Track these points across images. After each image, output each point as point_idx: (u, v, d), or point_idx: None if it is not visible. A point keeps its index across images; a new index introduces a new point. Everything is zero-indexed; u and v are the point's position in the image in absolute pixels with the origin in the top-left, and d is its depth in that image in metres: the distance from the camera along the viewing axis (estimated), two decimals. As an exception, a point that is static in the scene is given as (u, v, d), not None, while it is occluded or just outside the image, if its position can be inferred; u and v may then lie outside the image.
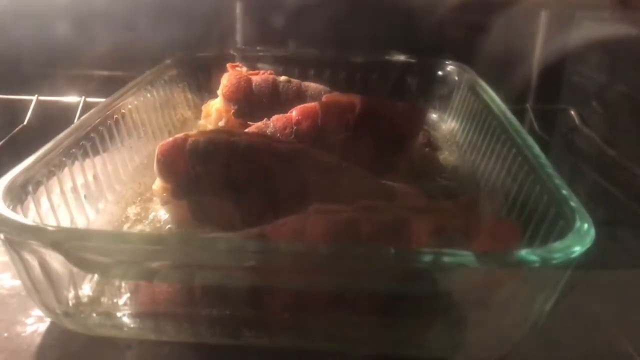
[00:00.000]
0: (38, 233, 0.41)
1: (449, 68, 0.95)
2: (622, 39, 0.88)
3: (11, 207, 0.46)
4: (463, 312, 0.43)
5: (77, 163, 0.59)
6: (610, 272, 0.62)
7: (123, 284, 0.46)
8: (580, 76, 1.06)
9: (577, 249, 0.40)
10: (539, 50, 1.09)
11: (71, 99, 1.04)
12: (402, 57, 0.99)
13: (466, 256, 0.39)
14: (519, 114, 0.87)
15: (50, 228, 0.42)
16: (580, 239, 0.41)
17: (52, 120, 1.01)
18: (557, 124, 1.08)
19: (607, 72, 0.99)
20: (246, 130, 0.74)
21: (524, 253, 0.39)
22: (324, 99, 0.76)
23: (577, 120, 1.03)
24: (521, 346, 0.45)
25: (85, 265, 0.41)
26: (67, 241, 0.39)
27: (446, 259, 0.39)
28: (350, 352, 0.46)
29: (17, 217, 0.43)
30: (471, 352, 0.44)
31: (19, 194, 0.49)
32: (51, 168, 0.55)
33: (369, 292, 0.42)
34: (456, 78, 0.93)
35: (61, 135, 0.58)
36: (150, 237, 0.42)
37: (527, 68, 1.09)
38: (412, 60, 0.98)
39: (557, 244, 0.40)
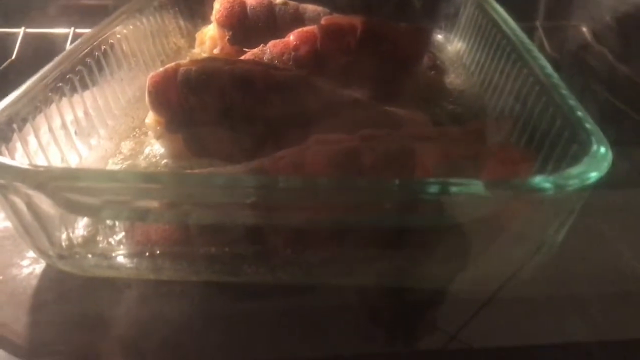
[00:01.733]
0: (22, 174, 0.38)
1: (456, -15, 0.90)
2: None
3: (-4, 146, 0.44)
4: (474, 242, 0.41)
5: (64, 99, 0.56)
6: (623, 192, 0.60)
7: (117, 224, 0.45)
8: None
9: (594, 175, 0.38)
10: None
11: (60, 30, 0.99)
12: (405, -25, 0.93)
13: (475, 185, 0.37)
14: (529, 32, 0.83)
15: (33, 168, 0.40)
16: (596, 164, 0.39)
17: (41, 53, 0.97)
18: (568, 42, 1.03)
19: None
20: (242, 57, 0.70)
21: (537, 180, 0.37)
22: (323, 21, 0.71)
23: (589, 37, 0.99)
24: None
25: (74, 208, 0.39)
26: (52, 181, 0.37)
27: (454, 188, 0.37)
28: (354, 285, 0.44)
29: (2, 159, 0.41)
30: (483, 281, 0.43)
31: (3, 133, 0.46)
32: (37, 104, 0.52)
33: (373, 226, 0.40)
34: (463, -5, 0.88)
35: (45, 68, 0.55)
36: (142, 175, 0.39)
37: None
38: (416, -23, 0.93)
39: (573, 170, 0.38)
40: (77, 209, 0.39)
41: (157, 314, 0.43)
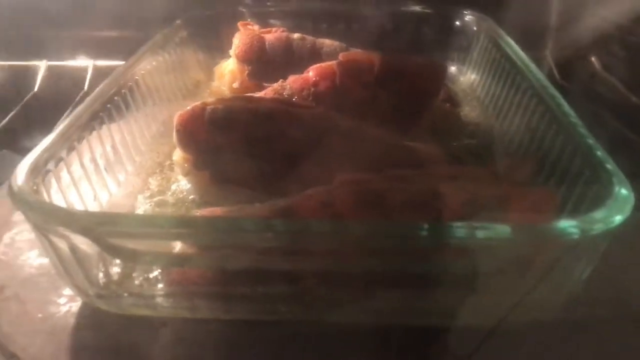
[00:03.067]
0: (67, 218, 0.40)
1: (467, 18, 0.92)
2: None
3: (35, 187, 0.46)
4: (498, 284, 0.42)
5: (95, 134, 0.58)
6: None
7: (153, 263, 0.46)
8: (602, 20, 1.02)
9: (618, 218, 0.39)
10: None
11: (80, 62, 1.02)
12: (417, 8, 0.95)
13: (502, 230, 0.38)
14: (537, 61, 0.85)
15: (78, 213, 0.42)
16: (620, 207, 0.40)
17: (63, 86, 0.99)
18: (577, 71, 1.05)
19: (631, 14, 0.96)
20: (262, 92, 0.72)
21: (563, 225, 0.38)
22: (341, 57, 0.73)
23: (598, 66, 1.01)
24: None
25: (117, 252, 0.40)
26: (98, 227, 0.39)
27: (480, 233, 0.38)
28: (386, 324, 0.46)
29: (45, 202, 0.42)
30: (507, 322, 0.44)
31: (43, 174, 0.48)
32: (71, 143, 0.54)
33: (404, 270, 0.41)
34: (475, 28, 0.90)
35: (79, 109, 0.57)
36: (179, 220, 0.41)
37: (545, 14, 1.05)
38: (428, 11, 0.95)
39: (597, 214, 0.39)
40: (120, 254, 0.41)
41: (194, 353, 0.44)
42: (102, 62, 1.02)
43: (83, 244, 0.41)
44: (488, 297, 0.43)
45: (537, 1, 1.03)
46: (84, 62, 1.02)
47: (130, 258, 0.42)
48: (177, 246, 0.43)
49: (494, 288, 0.42)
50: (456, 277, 0.42)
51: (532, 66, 0.70)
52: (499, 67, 0.77)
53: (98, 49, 1.04)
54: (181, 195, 0.61)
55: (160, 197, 0.61)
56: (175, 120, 0.60)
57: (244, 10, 0.97)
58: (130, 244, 0.40)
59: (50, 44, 1.04)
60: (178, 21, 0.88)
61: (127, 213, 0.57)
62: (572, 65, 1.04)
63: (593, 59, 1.02)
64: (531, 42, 0.93)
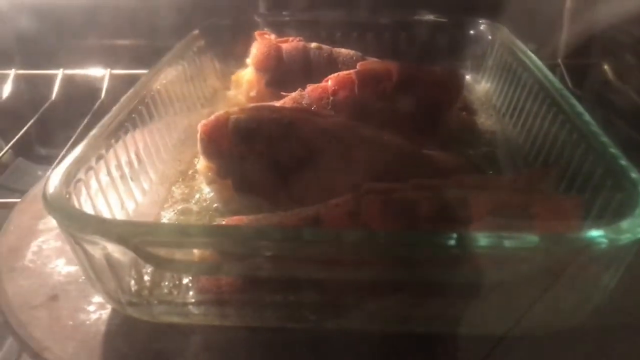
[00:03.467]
0: (103, 227, 0.41)
1: (482, 27, 0.93)
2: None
3: (67, 195, 0.46)
4: (525, 291, 0.43)
5: (120, 143, 0.59)
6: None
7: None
8: (614, 29, 1.03)
9: (646, 228, 0.40)
10: (569, 3, 1.06)
11: (97, 71, 1.03)
12: (431, 17, 0.96)
13: (530, 239, 0.39)
14: (550, 68, 0.86)
15: (116, 221, 0.43)
16: (646, 216, 0.41)
17: (79, 95, 1.01)
18: (590, 79, 1.06)
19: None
20: (281, 101, 0.73)
21: (592, 234, 0.39)
22: (359, 66, 0.74)
23: (610, 74, 1.01)
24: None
25: (152, 260, 0.41)
26: (135, 236, 0.40)
27: (508, 242, 0.39)
28: (415, 331, 0.46)
29: (81, 211, 0.43)
30: (533, 331, 0.44)
31: (73, 182, 0.49)
32: (100, 152, 0.54)
33: (432, 279, 0.42)
34: (489, 37, 0.91)
35: (106, 118, 0.58)
36: (212, 229, 0.42)
37: (557, 22, 1.06)
38: (443, 20, 0.96)
39: (624, 223, 0.40)
40: (155, 262, 0.41)
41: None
42: (118, 71, 1.03)
43: (117, 252, 0.42)
44: (514, 306, 0.43)
45: (549, 9, 1.04)
46: (100, 71, 1.03)
47: (165, 266, 0.43)
48: (208, 254, 0.44)
49: (522, 296, 0.43)
50: (484, 286, 0.43)
51: (550, 74, 0.70)
52: (515, 75, 0.78)
53: (114, 58, 1.06)
54: (205, 204, 0.62)
55: (184, 205, 0.62)
56: (200, 129, 0.61)
57: (259, 19, 0.98)
58: (164, 253, 0.41)
59: (67, 53, 1.06)
60: (195, 31, 0.89)
61: (162, 222, 0.58)
62: (584, 73, 1.05)
63: (605, 66, 1.02)
64: (544, 49, 0.95)
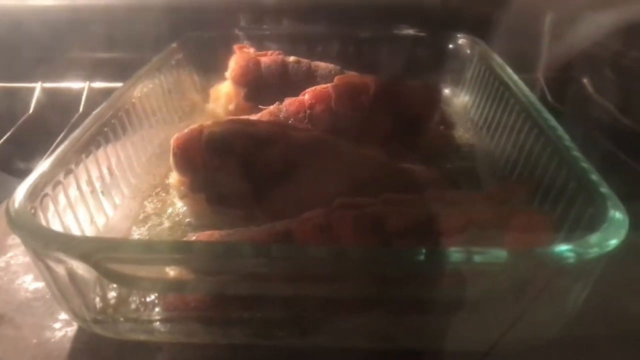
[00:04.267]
0: (66, 244, 0.40)
1: (461, 41, 0.93)
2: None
3: (32, 210, 0.46)
4: (494, 307, 0.42)
5: (91, 157, 0.58)
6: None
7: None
8: (593, 43, 1.04)
9: (613, 242, 0.39)
10: (549, 19, 1.06)
11: (75, 84, 1.02)
12: (411, 31, 0.97)
13: (499, 254, 0.38)
14: (530, 83, 0.86)
15: (78, 238, 0.42)
16: (615, 231, 0.40)
17: (58, 108, 0.99)
18: (569, 93, 1.06)
19: (622, 39, 0.97)
20: (258, 115, 0.73)
21: (560, 249, 0.38)
22: (336, 80, 0.74)
23: (590, 88, 1.02)
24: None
25: (115, 278, 0.40)
26: (97, 253, 0.39)
27: (478, 257, 0.38)
28: (384, 348, 0.45)
29: (44, 227, 0.42)
30: (504, 346, 0.44)
31: (39, 197, 0.48)
32: (69, 166, 0.54)
33: (402, 295, 0.41)
34: (468, 51, 0.91)
35: (76, 132, 0.57)
36: (178, 246, 0.41)
37: (537, 36, 1.06)
38: (422, 34, 0.96)
39: (592, 238, 0.39)
40: (118, 279, 0.41)
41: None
42: (98, 84, 1.02)
43: (81, 269, 0.41)
44: (484, 321, 0.43)
45: (528, 24, 1.04)
46: (79, 84, 1.02)
47: (129, 283, 0.42)
48: (174, 271, 0.43)
49: (491, 311, 0.42)
50: (453, 301, 0.42)
51: (525, 89, 0.70)
52: (492, 89, 0.78)
53: (93, 71, 1.05)
54: (177, 219, 0.62)
55: (156, 220, 0.61)
56: (173, 142, 0.60)
57: (239, 33, 0.98)
58: (129, 270, 0.40)
59: (45, 66, 1.05)
60: (174, 44, 0.88)
61: (126, 239, 0.57)
62: (564, 88, 1.06)
63: (585, 81, 1.03)
64: (523, 64, 0.95)
